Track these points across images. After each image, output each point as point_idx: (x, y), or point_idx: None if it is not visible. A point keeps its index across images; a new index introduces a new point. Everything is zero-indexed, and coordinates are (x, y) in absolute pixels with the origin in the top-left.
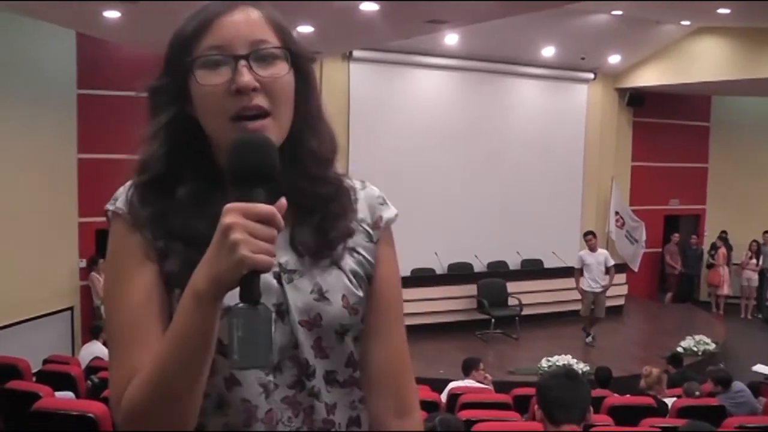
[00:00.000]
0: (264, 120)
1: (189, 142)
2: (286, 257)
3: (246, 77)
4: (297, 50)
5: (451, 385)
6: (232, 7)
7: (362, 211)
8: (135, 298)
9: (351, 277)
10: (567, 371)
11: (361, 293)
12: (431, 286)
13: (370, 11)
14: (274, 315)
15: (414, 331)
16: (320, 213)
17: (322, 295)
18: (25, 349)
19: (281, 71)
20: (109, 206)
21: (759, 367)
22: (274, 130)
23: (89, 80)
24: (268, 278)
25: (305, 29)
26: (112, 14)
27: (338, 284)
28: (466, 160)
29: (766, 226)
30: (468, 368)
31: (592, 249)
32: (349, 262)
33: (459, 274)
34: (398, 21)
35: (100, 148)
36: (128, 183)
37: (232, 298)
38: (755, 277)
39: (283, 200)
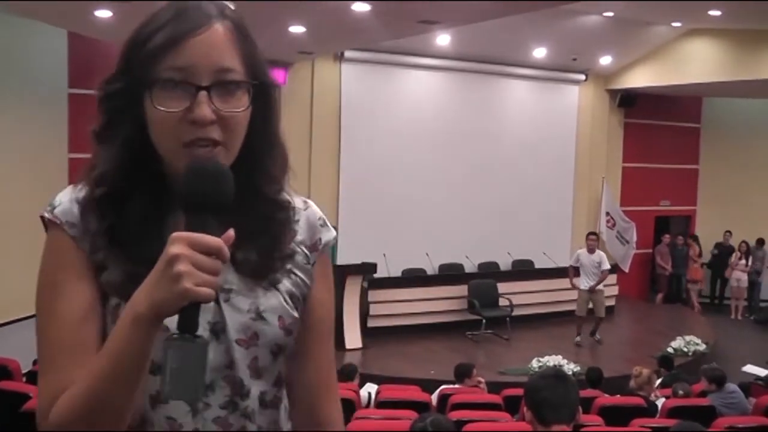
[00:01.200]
0: (215, 148)
1: (143, 156)
2: (224, 275)
3: (204, 110)
4: (261, 78)
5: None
6: (203, 24)
7: (302, 233)
8: (70, 315)
9: (287, 298)
10: (556, 372)
11: (296, 314)
12: (422, 286)
13: (361, 11)
14: (208, 334)
15: (405, 331)
16: (266, 234)
17: (259, 315)
18: (15, 350)
19: (240, 106)
20: (46, 213)
21: (749, 368)
22: (223, 158)
23: (81, 80)
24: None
25: (297, 29)
26: (103, 13)
27: (275, 305)
28: (458, 161)
29: (756, 227)
30: (461, 375)
31: (591, 250)
32: (286, 283)
33: (450, 274)
34: (390, 21)
35: (92, 148)
36: (71, 189)
37: (173, 320)
38: (745, 277)
39: (231, 232)
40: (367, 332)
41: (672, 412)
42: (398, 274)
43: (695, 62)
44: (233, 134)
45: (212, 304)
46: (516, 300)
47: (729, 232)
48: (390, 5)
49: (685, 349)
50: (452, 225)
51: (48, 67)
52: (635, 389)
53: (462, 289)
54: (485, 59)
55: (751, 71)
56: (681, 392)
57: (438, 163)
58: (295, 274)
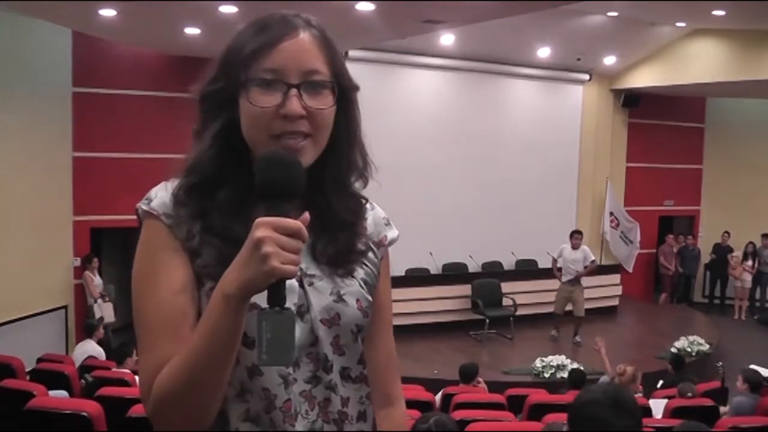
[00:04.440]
0: (304, 140)
1: (234, 148)
2: (305, 263)
3: (295, 105)
4: (343, 81)
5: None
6: (293, 31)
7: (370, 229)
8: (169, 291)
9: (362, 284)
10: (614, 398)
11: (371, 298)
12: (426, 286)
13: (366, 11)
14: (294, 315)
15: (408, 331)
16: (346, 228)
17: (340, 298)
18: (19, 348)
19: (326, 104)
20: (143, 205)
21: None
22: (311, 151)
23: (85, 78)
24: (291, 281)
25: None
26: (107, 13)
27: (354, 290)
28: (462, 161)
29: (760, 227)
30: (469, 376)
31: (575, 247)
32: (360, 272)
33: (453, 274)
34: (394, 21)
35: (96, 147)
36: (165, 184)
37: (260, 297)
38: (749, 278)
39: (306, 214)
40: None
41: (675, 413)
42: (402, 273)
43: (699, 62)
44: (320, 129)
45: (298, 288)
46: (519, 300)
47: (727, 232)
48: (394, 5)
49: (689, 350)
50: (456, 225)
51: (52, 66)
52: None
53: (465, 289)
54: (489, 59)
55: (755, 71)
56: (690, 394)
57: (442, 163)
58: (367, 265)
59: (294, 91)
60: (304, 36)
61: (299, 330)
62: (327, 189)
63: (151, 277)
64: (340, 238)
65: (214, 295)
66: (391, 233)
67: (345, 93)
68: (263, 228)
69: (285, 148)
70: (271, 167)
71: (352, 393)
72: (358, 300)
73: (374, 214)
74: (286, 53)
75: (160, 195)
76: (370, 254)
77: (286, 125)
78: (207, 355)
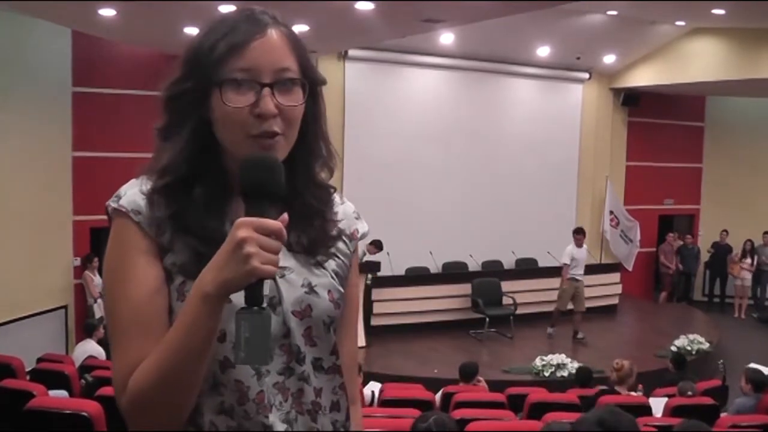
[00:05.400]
0: (276, 138)
1: (206, 148)
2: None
3: (269, 105)
4: (312, 76)
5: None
6: (263, 29)
7: (342, 222)
8: (141, 291)
9: (334, 276)
10: (611, 427)
11: (342, 290)
12: (426, 285)
13: (365, 10)
14: (266, 307)
15: (408, 330)
16: (317, 216)
17: (312, 289)
18: (19, 348)
19: (297, 100)
20: (112, 203)
21: (753, 367)
22: (284, 147)
23: (84, 78)
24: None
25: (301, 28)
26: (107, 12)
27: (325, 281)
28: (461, 160)
29: (760, 226)
30: (470, 375)
31: (579, 245)
32: (332, 264)
33: (454, 273)
34: (394, 20)
35: (95, 147)
36: (134, 182)
37: (237, 295)
38: (749, 276)
39: (285, 216)
40: (370, 331)
41: (675, 411)
42: (402, 272)
43: (699, 61)
44: (291, 126)
45: (269, 280)
46: (520, 299)
47: (726, 231)
48: (393, 4)
49: (689, 348)
50: (456, 223)
51: (52, 66)
52: (615, 382)
53: (465, 288)
54: (489, 58)
55: (754, 70)
56: (690, 393)
57: (441, 162)
58: (338, 257)
59: (267, 90)
60: (273, 33)
61: (272, 322)
62: (297, 181)
63: (122, 276)
64: (314, 226)
65: (192, 293)
66: (363, 227)
67: (312, 87)
68: (245, 228)
69: (262, 148)
70: (255, 169)
71: (324, 384)
72: (329, 291)
73: (344, 207)
74: (257, 52)
75: (130, 193)
76: (342, 245)
77: (262, 124)
78: (184, 352)
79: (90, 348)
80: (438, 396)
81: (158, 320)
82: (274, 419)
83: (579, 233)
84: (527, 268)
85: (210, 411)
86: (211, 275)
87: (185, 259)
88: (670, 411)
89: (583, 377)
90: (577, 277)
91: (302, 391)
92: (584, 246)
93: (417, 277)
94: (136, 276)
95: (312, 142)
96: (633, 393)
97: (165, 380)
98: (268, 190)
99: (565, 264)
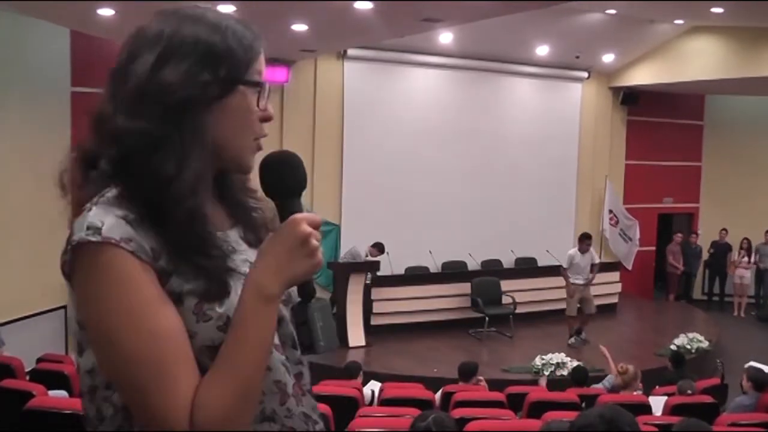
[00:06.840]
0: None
1: (206, 155)
2: (247, 253)
3: (271, 108)
4: None
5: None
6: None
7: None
8: (170, 323)
9: None
10: (610, 421)
11: None
12: (425, 284)
13: (364, 10)
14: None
15: (408, 329)
16: (258, 215)
17: None
18: (18, 348)
19: None
20: (90, 237)
21: (753, 365)
22: None
23: (83, 78)
24: (246, 269)
25: (300, 27)
26: (106, 12)
27: None
28: (461, 159)
29: (759, 224)
30: (469, 374)
31: (584, 251)
32: None
33: (453, 272)
34: (393, 19)
35: None
36: (102, 211)
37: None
38: (748, 274)
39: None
40: (370, 330)
41: (675, 410)
42: (401, 272)
43: (698, 60)
44: None
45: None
46: (519, 298)
47: (725, 230)
48: (393, 4)
49: (689, 347)
50: (455, 223)
51: (51, 66)
52: (621, 386)
53: (465, 287)
54: (488, 57)
55: (753, 68)
56: (689, 391)
57: (441, 161)
58: None
59: (268, 93)
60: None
61: None
62: (233, 182)
63: (139, 314)
64: (256, 220)
65: (249, 301)
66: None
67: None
68: (305, 223)
69: (257, 150)
70: (283, 169)
71: (306, 363)
72: None
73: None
74: (263, 62)
75: (109, 221)
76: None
77: (263, 128)
78: (253, 357)
79: None
80: (438, 395)
81: (189, 348)
82: (304, 407)
83: (583, 240)
84: (527, 267)
85: (252, 421)
86: (273, 276)
87: (203, 283)
88: (670, 410)
89: (578, 377)
90: (579, 282)
91: (301, 374)
92: (591, 252)
93: (416, 276)
94: (157, 309)
95: None
96: (633, 392)
97: (245, 395)
98: (297, 186)
99: (563, 268)
